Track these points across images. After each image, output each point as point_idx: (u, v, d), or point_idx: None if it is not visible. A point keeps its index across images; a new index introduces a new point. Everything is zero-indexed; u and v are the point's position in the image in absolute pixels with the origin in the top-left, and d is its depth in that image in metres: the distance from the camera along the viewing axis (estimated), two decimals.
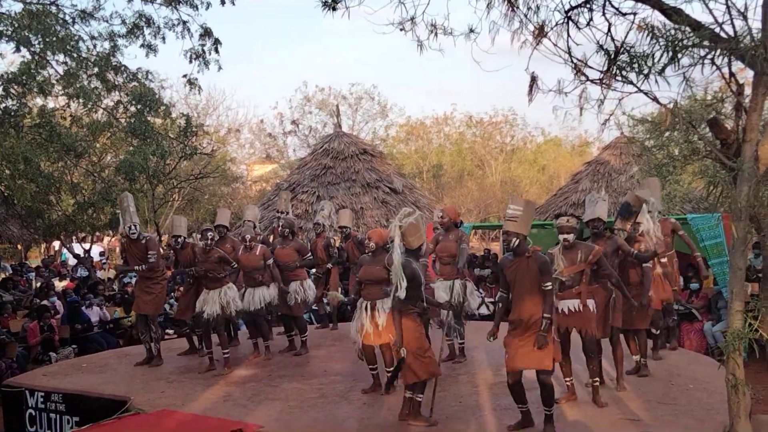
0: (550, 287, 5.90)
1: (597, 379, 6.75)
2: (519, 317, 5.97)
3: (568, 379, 6.84)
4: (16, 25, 11.55)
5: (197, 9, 13.30)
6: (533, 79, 4.24)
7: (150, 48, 13.42)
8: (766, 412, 7.46)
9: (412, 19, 4.61)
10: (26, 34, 11.50)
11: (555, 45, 4.10)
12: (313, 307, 10.39)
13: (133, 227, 9.22)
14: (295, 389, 7.79)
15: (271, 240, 10.50)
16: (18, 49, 11.94)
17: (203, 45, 13.55)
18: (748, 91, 4.10)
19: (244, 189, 34.78)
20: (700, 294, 12.00)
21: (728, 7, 3.95)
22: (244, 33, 65.90)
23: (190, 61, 13.65)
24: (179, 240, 9.65)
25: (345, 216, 11.00)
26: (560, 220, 6.81)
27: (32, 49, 11.89)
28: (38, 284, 16.08)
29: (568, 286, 6.64)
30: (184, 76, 14.14)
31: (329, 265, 10.74)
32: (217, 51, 13.71)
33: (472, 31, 4.39)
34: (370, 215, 16.75)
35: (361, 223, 16.33)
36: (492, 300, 13.65)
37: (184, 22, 13.32)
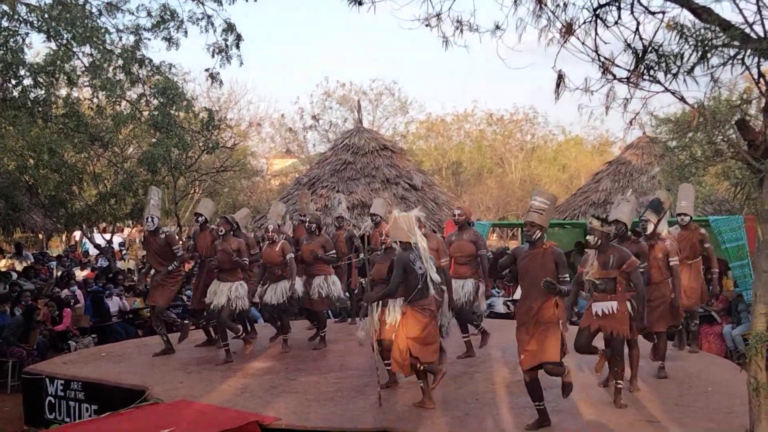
0: (568, 279, 5.92)
1: (620, 381, 6.70)
2: (529, 312, 5.96)
3: (596, 352, 6.82)
4: (46, 16, 11.66)
5: (222, 4, 13.36)
6: (560, 77, 4.21)
7: (171, 41, 13.49)
8: None
9: (438, 15, 4.60)
10: (55, 25, 11.59)
11: (582, 43, 4.07)
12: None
13: (150, 219, 9.30)
14: (312, 383, 7.83)
15: (291, 235, 10.48)
16: (48, 40, 12.07)
17: (226, 40, 13.59)
18: None
19: (263, 183, 34.87)
20: (720, 297, 11.89)
21: (759, 7, 3.91)
22: (267, 27, 66.10)
23: (213, 56, 13.72)
24: (200, 218, 9.67)
25: (378, 204, 10.97)
26: (590, 221, 6.78)
27: (60, 40, 11.98)
28: (59, 273, 16.24)
29: (601, 290, 6.56)
30: (206, 70, 14.23)
31: (354, 258, 10.71)
32: (238, 46, 13.77)
33: (498, 27, 4.38)
34: (389, 211, 16.73)
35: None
36: (510, 299, 13.62)
37: (209, 17, 13.38)
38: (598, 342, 6.84)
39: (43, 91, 12.26)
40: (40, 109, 12.28)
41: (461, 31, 4.71)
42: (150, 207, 9.41)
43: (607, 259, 6.50)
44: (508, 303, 13.75)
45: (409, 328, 6.58)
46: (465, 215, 8.62)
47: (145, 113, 14.29)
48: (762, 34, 3.93)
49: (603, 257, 6.54)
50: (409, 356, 6.57)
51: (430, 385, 6.69)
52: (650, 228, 7.59)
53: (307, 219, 10.03)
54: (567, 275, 5.96)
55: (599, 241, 6.54)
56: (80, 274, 16.52)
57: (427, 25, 4.80)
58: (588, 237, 6.65)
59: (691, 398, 6.92)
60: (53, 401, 8.37)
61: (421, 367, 6.68)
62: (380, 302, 7.03)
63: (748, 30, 3.92)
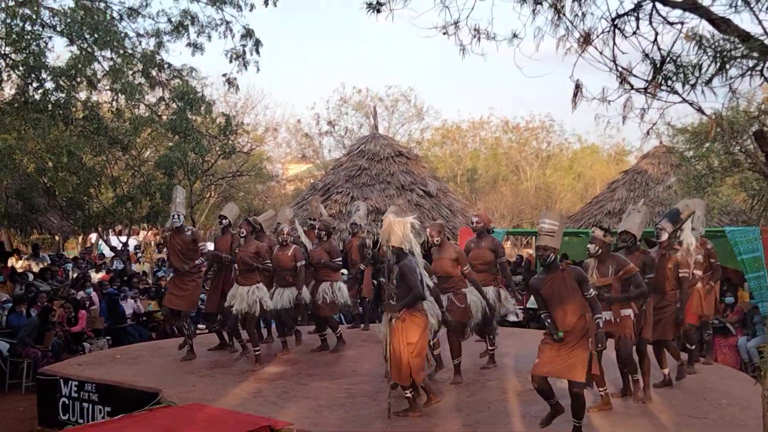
0: (593, 293, 5.88)
1: (635, 375, 6.87)
2: (570, 330, 5.91)
3: (601, 389, 6.78)
4: (69, 20, 11.78)
5: (241, 10, 13.47)
6: (577, 87, 4.21)
7: (196, 47, 13.61)
8: None
9: (456, 23, 4.62)
10: (78, 29, 11.71)
11: (600, 53, 4.07)
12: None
13: (177, 216, 9.34)
14: (323, 388, 7.84)
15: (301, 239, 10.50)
16: (71, 44, 12.19)
17: (244, 45, 13.70)
18: None
19: (279, 188, 34.98)
20: (735, 308, 11.82)
21: None
22: (284, 33, 66.39)
23: (230, 61, 13.83)
24: (224, 221, 9.70)
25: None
26: (593, 230, 6.80)
27: (82, 44, 12.10)
28: (75, 275, 16.35)
29: (605, 297, 6.57)
30: (224, 75, 14.32)
31: (362, 266, 10.76)
32: (257, 52, 13.86)
33: (515, 36, 4.39)
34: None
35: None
36: (522, 308, 13.57)
37: (227, 22, 13.48)
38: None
39: (64, 95, 12.36)
40: (60, 112, 12.39)
41: (479, 39, 4.73)
42: (176, 204, 9.46)
43: (606, 268, 6.56)
44: (521, 311, 13.70)
45: (408, 333, 6.61)
46: (483, 222, 8.60)
47: (164, 117, 14.39)
48: None
49: (602, 267, 6.60)
50: (409, 367, 6.59)
51: (419, 401, 6.76)
52: (664, 236, 7.55)
53: (317, 224, 10.04)
54: (592, 291, 5.89)
55: (599, 251, 6.60)
56: (95, 276, 16.62)
57: (444, 33, 4.83)
58: (589, 245, 6.67)
59: (705, 410, 6.87)
60: (67, 402, 8.42)
61: (419, 384, 6.75)
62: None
63: (767, 41, 3.90)
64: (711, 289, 8.96)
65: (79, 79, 12.37)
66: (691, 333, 8.23)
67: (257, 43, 13.80)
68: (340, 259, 9.89)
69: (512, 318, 13.41)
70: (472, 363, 8.66)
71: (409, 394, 6.72)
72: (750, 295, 11.63)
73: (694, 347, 8.57)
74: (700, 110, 4.01)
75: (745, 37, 3.81)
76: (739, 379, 8.37)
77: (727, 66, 3.77)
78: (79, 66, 12.11)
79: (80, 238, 26.49)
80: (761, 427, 4.44)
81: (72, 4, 12.16)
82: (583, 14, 4.13)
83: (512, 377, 8.23)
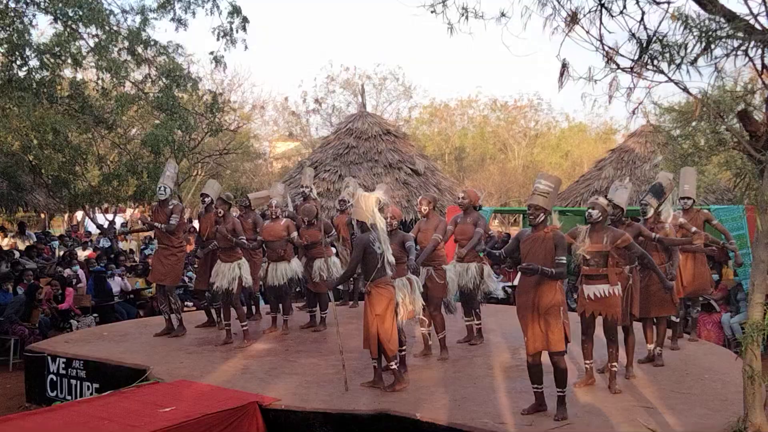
0: (563, 262, 5.94)
1: (615, 364, 6.76)
2: (528, 297, 5.99)
3: (588, 361, 6.85)
4: None
5: None
6: (564, 66, 4.23)
7: (180, 22, 13.49)
8: None
9: (444, 1, 4.62)
10: (62, 6, 11.57)
11: (587, 32, 4.09)
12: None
13: (162, 188, 9.35)
14: (311, 365, 7.89)
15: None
16: (55, 21, 12.05)
17: (231, 23, 13.58)
18: None
19: (266, 165, 34.91)
20: (720, 285, 11.95)
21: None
22: (271, 9, 65.83)
23: (218, 39, 13.71)
24: (206, 199, 9.71)
25: (351, 187, 11.02)
26: (594, 197, 6.84)
27: (66, 21, 11.97)
28: (61, 253, 16.30)
29: (591, 266, 6.63)
30: (211, 53, 14.22)
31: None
32: (244, 29, 13.75)
33: (503, 15, 4.39)
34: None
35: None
36: (510, 284, 13.68)
37: None
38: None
39: (48, 73, 12.24)
40: (45, 90, 12.27)
41: (467, 17, 4.72)
42: (164, 177, 9.47)
43: (600, 237, 6.58)
44: (507, 288, 13.82)
45: (374, 305, 6.72)
46: (469, 199, 8.59)
47: (150, 95, 14.29)
48: (767, 26, 3.94)
49: (596, 235, 6.61)
50: (377, 338, 6.71)
51: (386, 382, 6.89)
52: (650, 212, 7.64)
53: (303, 209, 10.02)
54: (563, 258, 5.97)
55: (600, 217, 6.61)
56: (82, 253, 16.57)
57: (432, 12, 4.82)
58: (591, 211, 6.67)
59: (688, 385, 6.97)
60: (55, 379, 8.45)
61: (384, 364, 6.89)
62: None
63: (752, 21, 3.93)
64: (704, 264, 9.00)
65: (63, 57, 12.24)
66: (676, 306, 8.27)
67: (244, 20, 13.69)
68: (334, 231, 9.95)
69: (499, 294, 13.58)
70: (460, 344, 8.72)
71: (393, 366, 6.79)
72: (734, 272, 11.75)
73: (678, 320, 8.66)
74: (685, 90, 4.04)
75: (730, 16, 3.83)
76: (722, 354, 8.47)
77: (713, 46, 3.80)
78: (64, 43, 11.98)
79: (66, 216, 26.39)
80: (742, 401, 4.52)
81: None
82: None
83: (498, 353, 8.31)
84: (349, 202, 10.99)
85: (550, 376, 6.14)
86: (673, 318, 8.43)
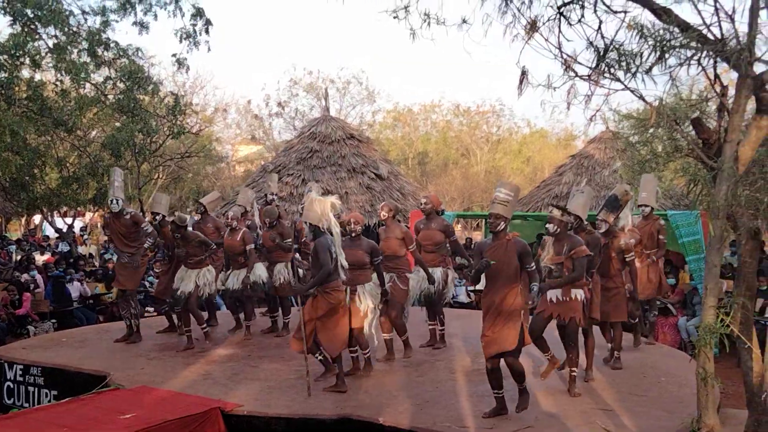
0: (533, 268, 6.04)
1: (575, 369, 6.86)
2: (492, 301, 6.05)
3: (547, 353, 6.92)
4: None
5: None
6: (523, 74, 4.30)
7: (142, 26, 13.40)
8: (734, 407, 7.61)
9: (406, 7, 4.65)
10: (20, 6, 11.40)
11: (546, 40, 4.16)
12: None
13: (115, 201, 9.25)
14: (274, 370, 7.86)
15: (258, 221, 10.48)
16: (14, 22, 11.87)
17: (194, 25, 13.52)
18: (732, 92, 4.20)
19: (228, 169, 34.69)
20: (676, 289, 12.19)
21: (716, 10, 4.03)
22: (234, 12, 65.43)
23: (180, 41, 13.65)
24: (158, 217, 9.65)
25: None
26: (549, 209, 6.94)
27: (24, 20, 11.79)
28: (18, 257, 16.02)
29: (555, 276, 6.73)
30: (174, 55, 14.14)
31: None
32: (207, 32, 13.70)
33: (465, 21, 4.44)
34: (354, 200, 16.78)
35: (345, 208, 16.35)
36: (473, 288, 13.77)
37: (177, 1, 13.28)
38: (551, 341, 6.99)
39: (6, 74, 12.05)
40: (2, 91, 12.08)
41: (429, 23, 4.76)
42: (114, 189, 9.35)
43: (561, 247, 6.71)
44: (471, 293, 13.93)
45: (318, 307, 6.80)
46: (432, 204, 8.63)
47: (110, 97, 14.14)
48: (719, 36, 4.05)
49: (558, 245, 6.74)
50: (314, 337, 6.82)
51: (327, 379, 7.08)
52: (604, 227, 7.73)
53: (268, 205, 10.01)
54: (533, 265, 6.07)
55: (558, 230, 6.73)
56: (40, 258, 16.31)
57: (395, 17, 4.85)
58: (547, 225, 6.81)
59: (645, 388, 7.10)
60: (12, 386, 8.30)
61: (319, 356, 7.13)
62: (349, 290, 7.19)
63: (705, 31, 4.04)
64: (655, 264, 9.20)
65: (21, 58, 12.07)
66: (632, 310, 8.42)
67: (207, 23, 13.66)
68: (290, 240, 9.89)
69: (462, 299, 13.68)
70: (423, 348, 8.77)
71: (337, 367, 6.98)
72: (690, 276, 11.99)
73: (636, 321, 8.82)
74: (641, 97, 4.14)
75: (684, 27, 3.93)
76: (678, 357, 8.63)
77: (667, 55, 3.89)
78: (22, 44, 11.81)
79: (23, 219, 25.92)
80: (696, 402, 4.61)
81: None
82: (530, 1, 4.21)
83: (461, 357, 8.36)
84: None
85: (511, 379, 6.21)
86: (630, 320, 8.58)
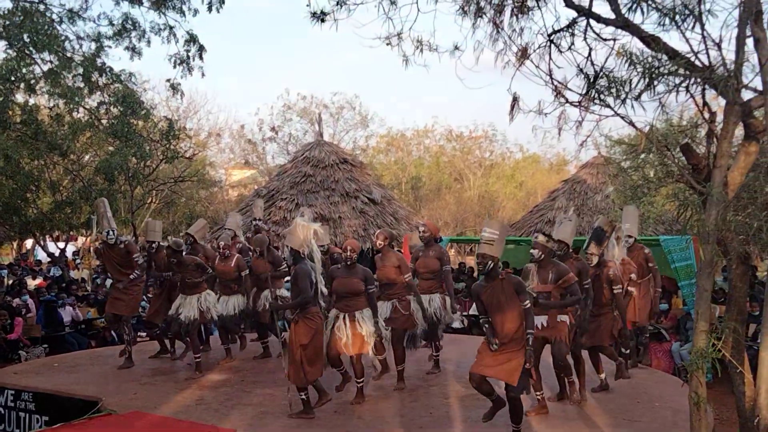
0: (528, 305, 5.96)
1: (570, 375, 6.94)
2: (499, 338, 6.04)
3: (538, 393, 6.94)
4: (8, 23, 11.55)
5: (185, 15, 13.38)
6: (515, 99, 4.36)
7: (134, 51, 13.48)
8: None
9: (399, 34, 4.72)
10: (17, 31, 11.47)
11: (537, 67, 4.22)
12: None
13: (111, 233, 9.28)
14: (267, 395, 7.84)
15: (247, 245, 10.49)
16: (10, 46, 11.94)
17: (188, 51, 13.62)
18: (720, 118, 4.26)
19: (221, 193, 34.70)
20: (669, 315, 12.20)
21: (704, 38, 4.09)
22: (228, 38, 65.89)
23: (174, 66, 13.73)
24: (153, 245, 9.66)
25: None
26: (534, 235, 6.97)
27: (19, 46, 11.86)
28: (10, 282, 15.95)
29: (540, 304, 6.74)
30: (168, 80, 14.23)
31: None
32: (201, 57, 13.80)
33: (457, 48, 4.51)
34: (348, 224, 16.80)
35: (339, 233, 16.38)
36: (467, 314, 13.77)
37: (171, 27, 13.38)
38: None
39: (0, 98, 12.09)
40: None
41: (421, 50, 4.83)
42: (107, 219, 9.37)
43: (546, 273, 6.72)
44: (465, 318, 13.91)
45: (300, 335, 6.79)
46: (430, 231, 8.65)
47: (104, 121, 14.19)
48: (707, 63, 4.11)
49: (543, 273, 6.75)
50: (302, 367, 6.79)
51: (312, 401, 6.98)
52: (594, 260, 7.75)
53: (254, 239, 10.00)
54: (528, 303, 5.98)
55: (542, 256, 6.76)
56: (32, 282, 16.24)
57: (388, 44, 4.92)
58: (532, 251, 6.83)
59: (638, 413, 7.10)
60: (3, 412, 8.23)
61: (310, 384, 7.02)
62: (347, 317, 7.20)
63: (693, 59, 4.10)
64: (647, 294, 9.24)
65: (16, 83, 12.12)
66: (625, 338, 8.46)
67: (201, 49, 13.75)
68: (284, 266, 9.87)
69: (456, 324, 13.65)
70: (416, 369, 8.77)
71: (303, 396, 6.91)
72: (683, 301, 12.00)
73: (629, 352, 8.84)
74: (631, 123, 4.19)
75: (672, 54, 4.00)
76: (672, 383, 8.64)
77: (655, 82, 3.95)
78: (17, 68, 11.87)
79: (15, 243, 25.83)
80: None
81: (10, 5, 11.93)
82: (521, 29, 4.28)
83: (454, 383, 8.35)
84: None
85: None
86: (623, 349, 8.61)
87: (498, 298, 5.97)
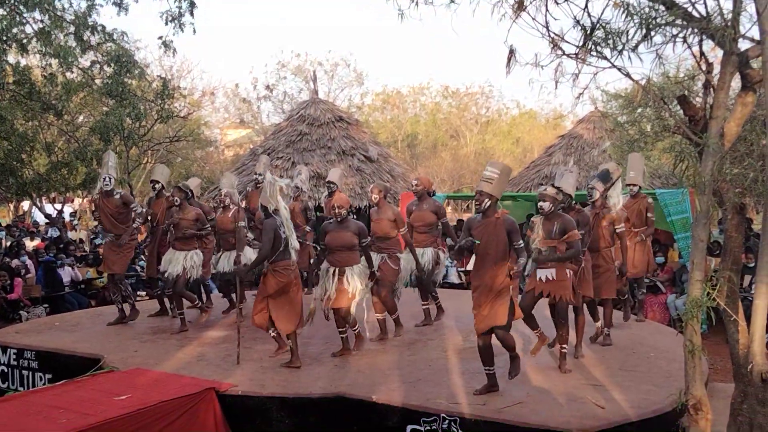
0: (521, 245, 6.10)
1: (565, 345, 6.95)
2: (482, 281, 6.10)
3: (536, 330, 7.01)
4: None
5: None
6: (511, 52, 4.33)
7: (120, 6, 13.29)
8: (722, 382, 7.74)
9: None
10: None
11: (533, 19, 4.18)
12: None
13: (107, 179, 9.26)
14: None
15: (243, 204, 10.50)
16: (1, 6, 11.78)
17: (180, 7, 13.44)
18: (717, 69, 4.24)
19: (217, 153, 34.60)
20: (665, 267, 12.30)
21: None
22: None
23: (166, 24, 13.57)
24: (156, 186, 9.68)
25: (335, 173, 10.99)
26: (542, 188, 6.98)
27: (10, 5, 11.70)
28: (8, 243, 15.99)
29: (541, 259, 6.79)
30: (160, 38, 14.07)
31: (307, 228, 10.74)
32: (192, 14, 13.63)
33: (452, 1, 4.46)
34: (344, 183, 16.79)
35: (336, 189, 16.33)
36: (463, 269, 13.85)
37: None
38: (540, 318, 7.08)
39: None
40: None
41: (416, 3, 4.77)
42: (108, 167, 9.37)
43: (551, 226, 6.74)
44: (461, 273, 14.01)
45: (269, 285, 7.05)
46: (423, 185, 8.70)
47: (98, 81, 14.07)
48: (704, 13, 4.09)
49: (549, 224, 6.77)
50: (268, 314, 7.12)
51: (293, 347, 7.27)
52: (596, 195, 7.82)
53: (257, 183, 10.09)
54: (521, 242, 6.11)
55: (551, 208, 6.76)
56: (30, 244, 16.29)
57: None
58: (540, 203, 6.83)
59: (634, 363, 7.20)
60: (6, 370, 8.33)
61: (272, 332, 7.37)
62: (337, 271, 7.28)
63: (690, 9, 4.07)
64: (644, 243, 9.32)
65: (8, 42, 11.99)
66: (620, 287, 8.52)
67: (192, 5, 13.57)
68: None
69: (453, 280, 13.76)
70: (414, 328, 8.85)
71: (290, 344, 7.24)
72: (679, 254, 12.08)
73: (626, 298, 8.93)
74: (627, 75, 4.17)
75: (670, 4, 3.97)
76: (667, 333, 8.75)
77: (652, 33, 3.93)
78: (7, 28, 11.73)
79: (12, 205, 25.82)
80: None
81: None
82: None
83: (452, 336, 8.45)
84: (301, 189, 11.00)
85: (503, 357, 6.30)
86: (620, 297, 8.69)
87: (488, 236, 6.05)
